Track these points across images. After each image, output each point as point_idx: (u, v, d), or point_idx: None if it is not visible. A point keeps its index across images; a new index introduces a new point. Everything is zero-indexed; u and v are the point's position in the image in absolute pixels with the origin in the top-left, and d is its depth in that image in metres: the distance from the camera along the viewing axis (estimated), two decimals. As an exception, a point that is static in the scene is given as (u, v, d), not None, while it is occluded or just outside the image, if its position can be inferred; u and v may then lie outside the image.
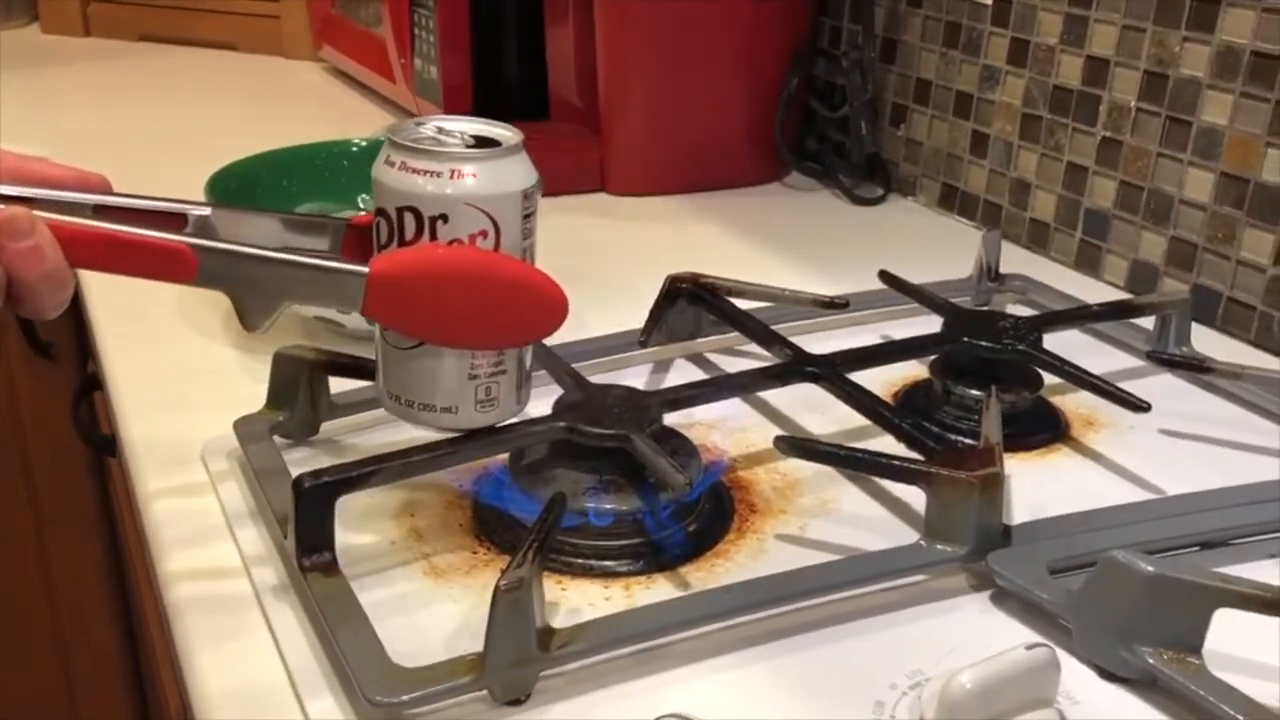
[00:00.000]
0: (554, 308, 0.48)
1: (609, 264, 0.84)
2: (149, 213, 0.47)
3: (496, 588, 0.40)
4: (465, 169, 0.46)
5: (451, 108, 1.03)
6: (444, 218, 0.46)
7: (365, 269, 0.45)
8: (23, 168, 0.46)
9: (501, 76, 1.05)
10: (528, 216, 0.48)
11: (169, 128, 1.14)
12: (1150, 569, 0.42)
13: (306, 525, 0.46)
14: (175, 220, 0.47)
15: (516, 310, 0.47)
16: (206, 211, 0.48)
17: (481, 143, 0.47)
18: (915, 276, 0.72)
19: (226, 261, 0.44)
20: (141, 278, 0.44)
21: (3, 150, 0.46)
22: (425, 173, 0.45)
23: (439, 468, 0.51)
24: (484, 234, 0.46)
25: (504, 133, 0.48)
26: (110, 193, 0.46)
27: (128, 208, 0.46)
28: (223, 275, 0.44)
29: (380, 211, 0.47)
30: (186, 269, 0.43)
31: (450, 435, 0.50)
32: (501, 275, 0.47)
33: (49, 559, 1.24)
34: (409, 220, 0.46)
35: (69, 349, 1.12)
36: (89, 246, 0.43)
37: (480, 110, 1.04)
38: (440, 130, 0.48)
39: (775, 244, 0.90)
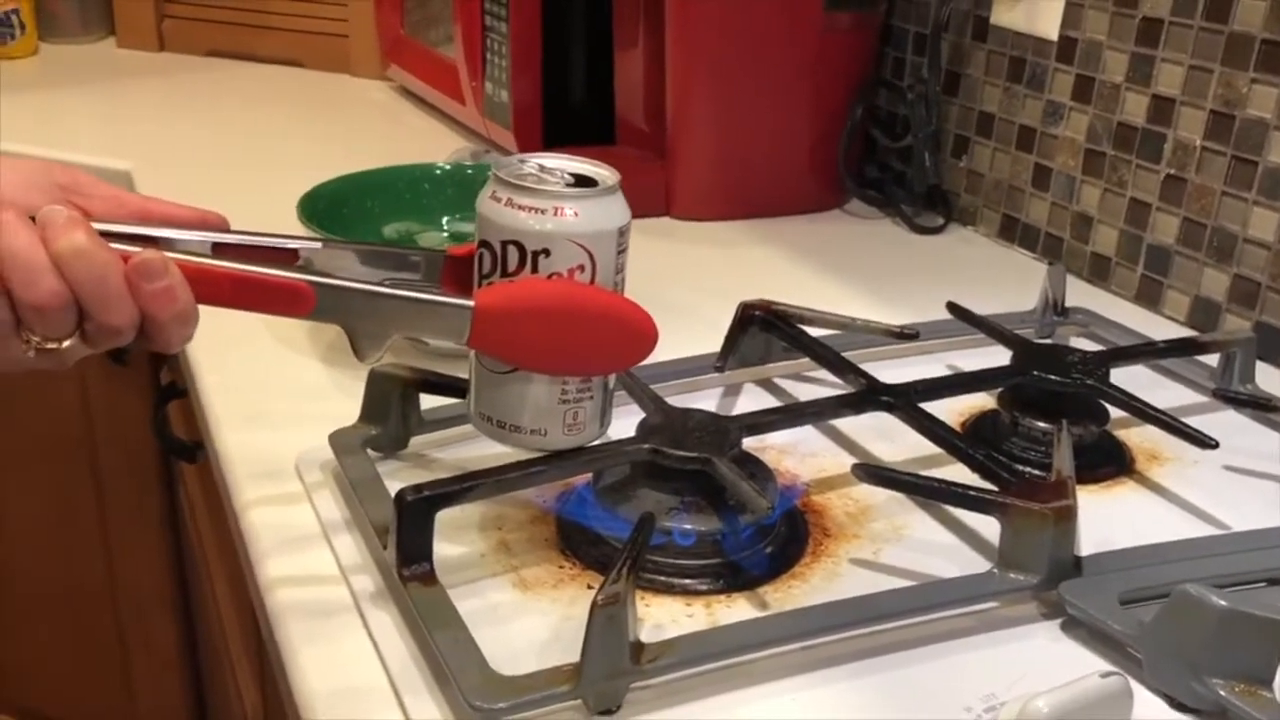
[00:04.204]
0: (644, 337, 0.50)
1: (674, 287, 0.86)
2: (263, 249, 0.49)
3: (594, 602, 0.42)
4: (567, 207, 0.48)
5: (521, 131, 1.05)
6: (546, 252, 0.48)
7: (471, 303, 0.47)
8: (147, 207, 0.49)
9: (570, 101, 1.08)
10: (621, 251, 0.50)
11: (243, 143, 1.18)
12: (1224, 604, 0.44)
13: (407, 536, 0.48)
14: (288, 255, 0.50)
15: (610, 340, 0.50)
16: (318, 246, 0.50)
17: (580, 181, 0.50)
18: (975, 306, 0.74)
19: (341, 297, 0.47)
20: (263, 313, 0.46)
21: (126, 191, 0.49)
22: (530, 209, 0.48)
23: (532, 484, 0.53)
24: (581, 268, 0.49)
25: (602, 172, 0.51)
26: (228, 230, 0.49)
27: (244, 244, 0.49)
28: (337, 309, 0.47)
29: (484, 244, 0.49)
30: (305, 304, 0.46)
31: (541, 454, 0.52)
32: (598, 308, 0.49)
33: (113, 561, 1.27)
34: (512, 253, 0.48)
35: (142, 355, 1.15)
36: (216, 285, 0.45)
37: (548, 134, 1.06)
38: (542, 168, 0.50)
39: (836, 270, 0.91)
